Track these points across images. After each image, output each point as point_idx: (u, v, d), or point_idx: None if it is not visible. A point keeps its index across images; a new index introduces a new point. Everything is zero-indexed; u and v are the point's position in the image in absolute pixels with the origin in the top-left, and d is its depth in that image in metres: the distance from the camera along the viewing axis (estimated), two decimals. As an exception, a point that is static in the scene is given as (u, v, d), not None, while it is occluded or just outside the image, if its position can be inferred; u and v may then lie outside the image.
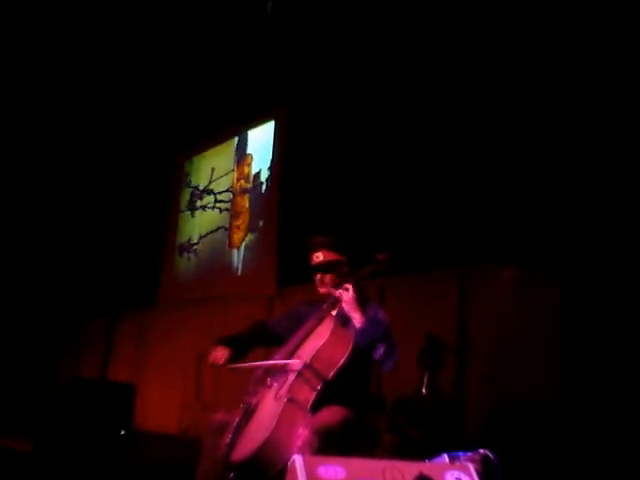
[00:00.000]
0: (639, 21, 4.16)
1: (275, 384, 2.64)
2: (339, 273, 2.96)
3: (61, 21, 6.99)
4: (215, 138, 8.44)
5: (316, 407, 2.56)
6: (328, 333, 2.70)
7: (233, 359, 2.93)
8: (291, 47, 6.76)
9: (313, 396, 2.56)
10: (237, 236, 7.68)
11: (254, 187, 7.61)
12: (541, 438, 3.97)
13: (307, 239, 3.14)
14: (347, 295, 2.80)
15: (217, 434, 2.59)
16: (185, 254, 8.52)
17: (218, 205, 8.21)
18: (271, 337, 3.11)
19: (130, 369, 8.29)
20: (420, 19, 5.57)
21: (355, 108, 6.10)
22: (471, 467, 2.05)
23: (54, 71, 7.71)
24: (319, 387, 2.58)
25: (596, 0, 4.44)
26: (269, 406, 2.55)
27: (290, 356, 2.72)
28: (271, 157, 7.40)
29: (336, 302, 2.89)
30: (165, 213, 9.04)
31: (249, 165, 7.82)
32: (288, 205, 6.86)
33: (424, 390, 4.21)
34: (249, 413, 2.57)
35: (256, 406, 2.60)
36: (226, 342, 3.01)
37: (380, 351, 2.72)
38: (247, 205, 7.67)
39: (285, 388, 2.57)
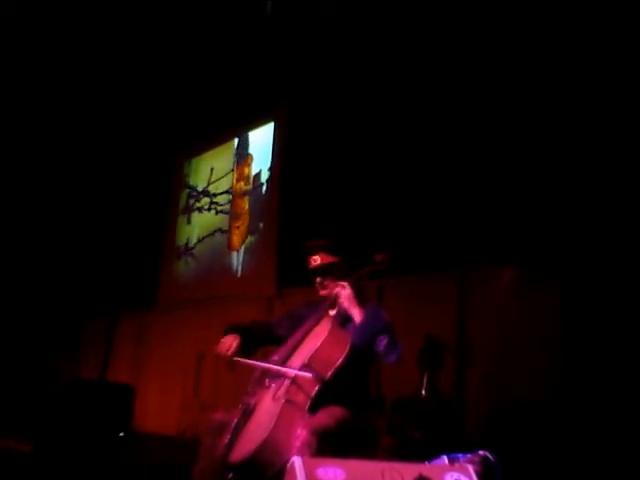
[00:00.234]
0: (638, 21, 4.15)
1: (273, 385, 2.64)
2: (338, 275, 2.96)
3: (61, 21, 6.99)
4: (215, 139, 8.44)
5: (314, 407, 2.56)
6: (326, 333, 2.72)
7: (242, 349, 2.89)
8: (291, 49, 6.76)
9: (311, 396, 2.55)
10: (237, 238, 7.67)
11: (254, 188, 7.60)
12: (541, 438, 3.96)
13: (304, 243, 3.14)
14: (345, 292, 2.81)
15: (216, 434, 2.59)
16: (183, 257, 8.52)
17: (216, 207, 8.21)
18: (273, 337, 3.11)
19: (130, 370, 8.29)
20: (420, 21, 5.57)
21: (355, 110, 6.10)
22: (470, 468, 2.04)
23: (54, 72, 7.71)
24: (317, 387, 2.57)
25: (596, 0, 4.44)
26: (267, 407, 2.55)
27: (288, 356, 2.73)
28: (271, 158, 7.40)
29: (335, 302, 2.89)
30: (165, 214, 9.04)
31: (249, 166, 7.82)
32: (288, 206, 6.86)
33: (423, 391, 4.21)
34: (247, 413, 2.57)
35: (254, 407, 2.60)
36: (236, 330, 2.99)
37: (383, 342, 2.69)
38: (247, 207, 7.66)
39: (283, 389, 2.57)
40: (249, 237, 7.47)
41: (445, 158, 5.18)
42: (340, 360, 2.63)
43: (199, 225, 8.46)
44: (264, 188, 7.42)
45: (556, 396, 4.11)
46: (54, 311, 9.42)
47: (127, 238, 8.92)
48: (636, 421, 3.70)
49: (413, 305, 5.08)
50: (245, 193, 7.77)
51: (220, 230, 8.00)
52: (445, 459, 2.18)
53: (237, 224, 7.73)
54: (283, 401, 2.52)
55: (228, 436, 2.48)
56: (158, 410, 7.62)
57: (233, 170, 8.06)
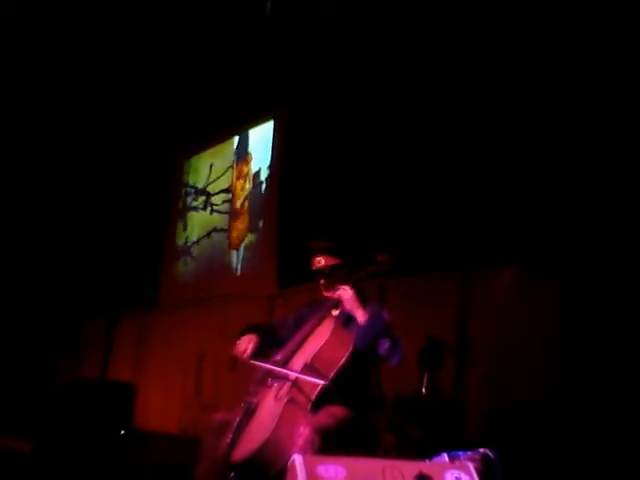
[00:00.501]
0: (638, 21, 4.16)
1: (275, 384, 2.64)
2: (341, 276, 2.98)
3: (61, 21, 7.00)
4: (215, 138, 8.44)
5: (316, 407, 2.56)
6: (329, 333, 2.72)
7: (259, 349, 2.90)
8: (291, 48, 6.76)
9: (313, 396, 2.55)
10: (237, 237, 7.66)
11: (254, 187, 7.60)
12: (541, 438, 3.97)
13: (308, 243, 3.16)
14: (347, 294, 2.83)
15: (217, 434, 2.59)
16: (182, 257, 8.53)
17: (212, 206, 8.22)
18: (278, 339, 3.11)
19: (130, 369, 8.29)
20: (420, 20, 5.57)
21: (355, 109, 6.09)
22: (471, 466, 2.05)
23: (54, 71, 7.71)
24: (319, 387, 2.57)
25: (596, 0, 4.45)
26: (270, 406, 2.56)
27: (291, 356, 2.73)
28: (270, 156, 7.40)
29: (337, 303, 2.91)
30: (165, 214, 9.05)
31: (248, 164, 7.81)
32: (288, 205, 6.85)
33: (424, 390, 4.21)
34: (250, 413, 2.58)
35: (257, 406, 2.61)
36: (254, 330, 3.01)
37: (385, 345, 2.73)
38: (247, 206, 7.65)
39: (285, 388, 2.57)
40: (249, 235, 7.46)
41: (445, 159, 5.18)
42: (343, 360, 2.64)
43: (198, 224, 8.46)
44: (264, 186, 7.42)
45: (556, 396, 4.11)
46: (54, 311, 9.43)
47: (127, 238, 8.92)
48: (636, 421, 3.70)
49: (414, 305, 5.08)
50: (245, 191, 7.76)
51: (216, 229, 8.00)
52: (446, 457, 2.18)
53: (237, 223, 7.72)
54: (285, 400, 2.52)
55: (230, 435, 2.49)
56: (159, 409, 7.62)
57: (233, 168, 8.06)
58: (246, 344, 2.91)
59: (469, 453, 2.20)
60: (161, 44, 7.28)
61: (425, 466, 2.03)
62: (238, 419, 2.54)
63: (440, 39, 5.40)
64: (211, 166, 8.48)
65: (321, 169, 6.35)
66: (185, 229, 8.66)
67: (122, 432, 5.52)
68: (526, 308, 4.43)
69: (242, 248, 7.52)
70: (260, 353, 2.90)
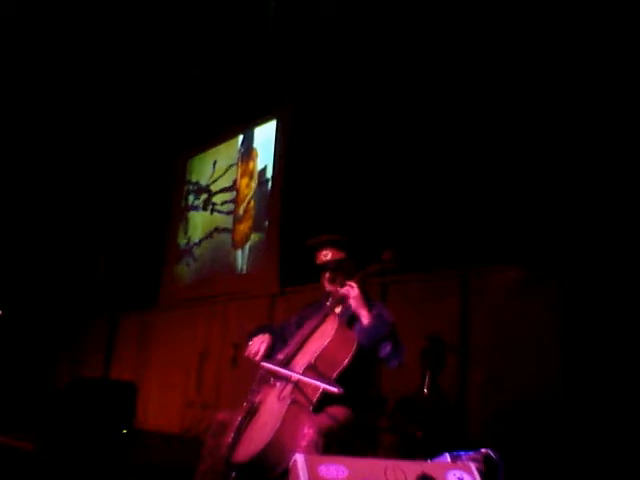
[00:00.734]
0: (638, 21, 4.15)
1: (278, 384, 2.62)
2: (346, 271, 2.95)
3: (62, 20, 7.00)
4: (218, 137, 8.44)
5: (319, 407, 2.55)
6: (333, 332, 2.67)
7: (271, 349, 2.89)
8: (294, 47, 6.76)
9: (316, 397, 2.52)
10: (241, 236, 7.65)
11: (259, 184, 7.56)
12: (542, 437, 3.97)
13: (314, 237, 3.12)
14: (354, 292, 2.80)
15: (219, 433, 2.59)
16: (184, 257, 8.53)
17: (217, 206, 8.20)
18: (283, 339, 3.09)
19: (132, 368, 8.30)
20: (421, 19, 5.57)
21: (358, 108, 6.09)
22: (473, 466, 2.05)
23: (55, 70, 7.72)
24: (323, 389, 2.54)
25: (596, 0, 4.44)
26: (273, 406, 2.53)
27: (294, 355, 2.70)
28: (274, 156, 7.39)
29: (340, 300, 2.88)
30: (167, 212, 9.05)
31: (254, 161, 7.78)
32: (291, 205, 6.85)
33: (426, 390, 4.21)
34: (252, 412, 2.56)
35: (259, 405, 2.59)
36: (264, 330, 2.99)
37: (387, 349, 2.72)
38: (252, 204, 7.63)
39: (289, 388, 2.55)
40: (253, 234, 7.44)
41: (448, 160, 5.18)
42: (346, 361, 2.60)
43: (199, 225, 8.46)
44: (269, 184, 7.38)
45: (557, 396, 4.10)
46: (57, 311, 9.44)
47: (130, 237, 8.93)
48: (636, 420, 3.70)
49: (416, 304, 5.08)
50: (250, 189, 7.73)
51: (217, 229, 7.99)
52: (447, 457, 2.18)
53: (241, 221, 7.70)
54: (289, 401, 2.49)
55: (231, 435, 2.48)
56: (160, 408, 7.63)
57: (237, 165, 8.03)
58: (259, 345, 2.89)
59: (471, 453, 2.20)
60: (166, 44, 7.28)
61: (427, 466, 2.03)
62: (240, 419, 2.53)
63: (441, 38, 5.39)
64: (214, 163, 8.47)
65: (324, 168, 6.35)
66: (187, 230, 8.66)
67: (124, 431, 5.52)
68: (527, 308, 4.44)
69: (247, 247, 7.50)
70: (270, 354, 2.88)
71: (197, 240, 8.38)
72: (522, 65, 4.79)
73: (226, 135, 8.33)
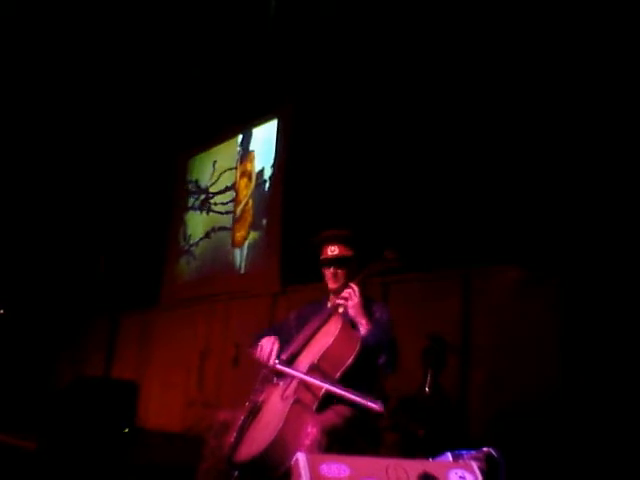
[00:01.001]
0: (638, 21, 4.15)
1: (281, 383, 2.62)
2: (351, 269, 2.94)
3: (62, 20, 7.00)
4: (218, 137, 8.45)
5: (322, 406, 2.54)
6: (336, 332, 2.65)
7: (280, 351, 2.80)
8: (295, 46, 6.76)
9: (320, 396, 2.52)
10: (240, 235, 7.67)
11: (257, 185, 7.60)
12: (543, 436, 3.97)
13: (322, 231, 3.08)
14: (354, 300, 2.77)
15: (220, 433, 2.58)
16: (185, 256, 8.54)
17: (215, 206, 8.21)
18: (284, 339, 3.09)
19: (133, 368, 8.31)
20: (422, 18, 5.57)
21: (359, 108, 6.10)
22: (475, 465, 2.05)
23: (56, 70, 7.72)
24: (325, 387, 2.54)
25: (596, 0, 4.44)
26: (276, 406, 2.53)
27: (297, 355, 2.70)
28: (274, 155, 7.40)
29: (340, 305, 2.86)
30: (168, 212, 9.05)
31: (252, 162, 7.81)
32: (292, 203, 6.86)
33: (427, 389, 4.21)
34: (255, 412, 2.56)
35: (262, 405, 2.59)
36: (269, 333, 2.93)
37: (381, 360, 2.72)
38: (250, 204, 7.65)
39: (292, 387, 2.54)
40: (252, 233, 7.46)
41: (450, 160, 5.19)
42: (350, 360, 2.59)
43: (198, 225, 8.47)
44: (267, 185, 7.42)
45: (558, 395, 4.11)
46: (58, 310, 9.45)
47: (131, 236, 8.93)
48: (636, 420, 3.70)
49: (417, 304, 5.09)
50: (248, 189, 7.75)
51: (214, 229, 8.00)
52: (449, 456, 2.18)
53: (240, 221, 7.73)
54: (292, 400, 2.48)
55: (234, 434, 2.47)
56: (161, 407, 7.64)
57: (236, 167, 8.05)
58: (270, 347, 2.80)
59: (473, 452, 2.20)
60: (166, 43, 7.28)
61: (429, 465, 2.03)
62: (243, 418, 2.53)
63: (441, 37, 5.39)
64: (214, 163, 8.48)
65: (325, 167, 6.35)
66: (187, 229, 8.68)
67: (125, 430, 5.52)
68: (528, 308, 4.44)
69: (246, 246, 7.52)
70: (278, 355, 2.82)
71: (197, 239, 8.39)
72: (522, 65, 4.79)
73: (226, 135, 8.35)
